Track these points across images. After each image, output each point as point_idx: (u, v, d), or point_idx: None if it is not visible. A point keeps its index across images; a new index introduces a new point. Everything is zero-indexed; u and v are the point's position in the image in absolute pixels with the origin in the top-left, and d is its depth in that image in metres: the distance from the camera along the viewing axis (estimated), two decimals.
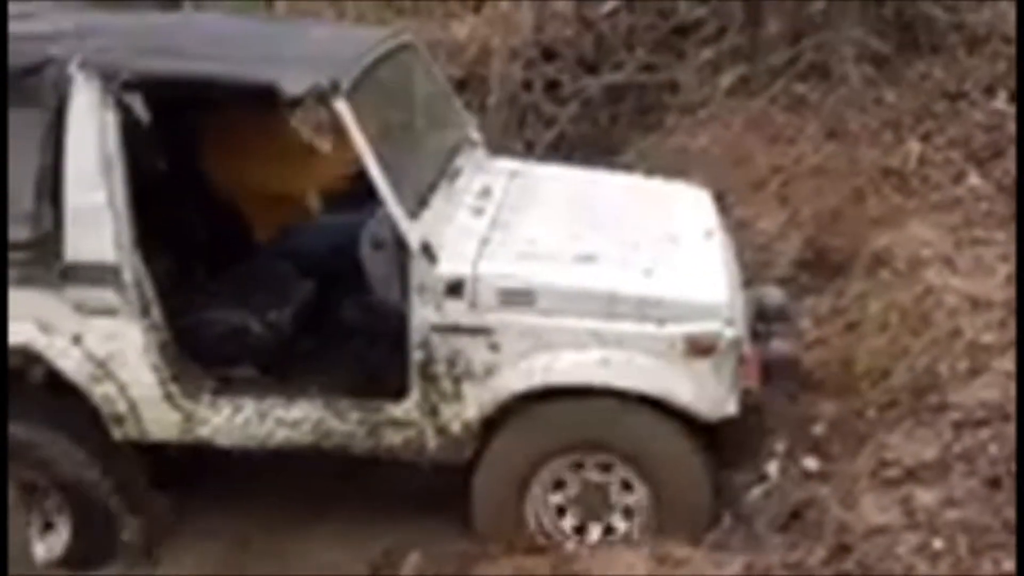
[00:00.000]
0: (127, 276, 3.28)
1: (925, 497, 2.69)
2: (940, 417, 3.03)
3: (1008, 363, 3.10)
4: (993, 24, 5.45)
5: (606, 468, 3.37)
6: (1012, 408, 2.93)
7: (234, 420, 3.43)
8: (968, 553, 2.47)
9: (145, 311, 3.33)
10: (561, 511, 3.41)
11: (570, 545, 3.29)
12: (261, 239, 4.12)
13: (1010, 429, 2.85)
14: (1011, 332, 3.26)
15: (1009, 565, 2.42)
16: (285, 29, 4.44)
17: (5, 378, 3.32)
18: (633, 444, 3.30)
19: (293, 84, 3.19)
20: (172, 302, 3.46)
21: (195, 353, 3.49)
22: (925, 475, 2.81)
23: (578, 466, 3.38)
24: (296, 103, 3.32)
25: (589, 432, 3.32)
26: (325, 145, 4.43)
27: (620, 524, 3.38)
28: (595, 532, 3.39)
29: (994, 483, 2.70)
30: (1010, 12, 5.44)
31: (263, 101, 3.48)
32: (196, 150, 4.09)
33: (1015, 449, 2.73)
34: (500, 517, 3.38)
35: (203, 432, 3.44)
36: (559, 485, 3.39)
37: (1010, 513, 2.58)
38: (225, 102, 3.82)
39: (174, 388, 3.40)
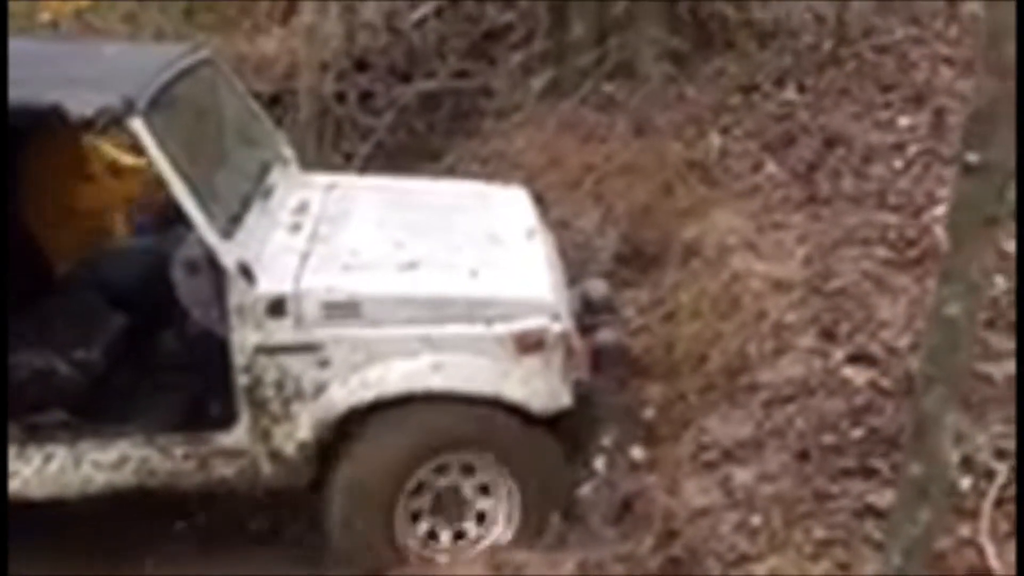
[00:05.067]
0: None
1: (742, 475, 2.84)
2: (752, 397, 3.20)
3: (808, 340, 3.31)
4: (780, 20, 5.79)
5: (464, 470, 3.34)
6: (814, 382, 3.13)
7: (46, 470, 3.24)
8: (782, 525, 2.61)
9: None
10: (419, 521, 3.34)
11: (415, 559, 3.28)
12: (62, 271, 3.90)
13: (814, 402, 3.04)
14: (810, 310, 3.48)
15: (820, 532, 2.58)
16: (74, 48, 4.21)
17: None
18: (488, 443, 3.27)
19: (82, 104, 3.04)
20: None
21: None
22: (741, 454, 2.95)
23: (436, 472, 3.32)
24: (87, 124, 3.16)
25: (444, 436, 3.26)
26: (126, 167, 4.22)
27: (476, 527, 3.37)
28: (452, 536, 3.36)
29: (803, 455, 2.87)
30: (795, 8, 5.80)
31: (54, 124, 3.29)
32: None
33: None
34: (369, 540, 3.27)
35: (12, 486, 3.23)
36: (417, 494, 3.32)
37: (819, 483, 2.76)
38: (12, 127, 3.59)
39: None
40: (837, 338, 3.32)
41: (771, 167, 4.72)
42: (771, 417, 3.06)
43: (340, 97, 5.99)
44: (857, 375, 3.12)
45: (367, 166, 5.61)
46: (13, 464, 3.23)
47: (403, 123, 6.05)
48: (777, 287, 3.68)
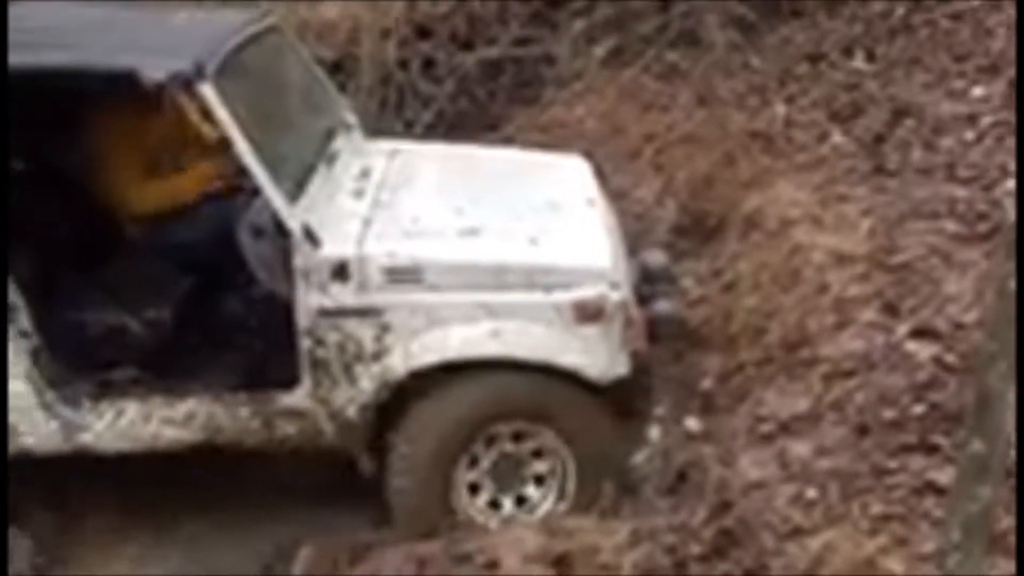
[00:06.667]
0: None
1: (799, 448, 2.82)
2: (811, 370, 3.17)
3: (871, 314, 3.27)
4: None
5: (520, 437, 3.37)
6: (876, 357, 3.09)
7: (117, 424, 3.35)
8: (839, 499, 2.60)
9: (12, 318, 3.21)
10: (476, 486, 3.39)
11: (470, 524, 3.32)
12: (134, 233, 4.01)
13: (874, 377, 3.01)
14: (873, 284, 3.43)
15: (877, 508, 2.56)
16: (143, 15, 4.28)
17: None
18: (544, 410, 3.31)
19: (154, 70, 3.11)
20: (43, 306, 3.34)
21: (71, 357, 3.38)
22: (798, 427, 2.93)
23: (492, 438, 3.35)
24: (159, 89, 3.23)
25: (501, 402, 3.30)
26: (196, 133, 4.29)
27: (533, 493, 3.42)
28: (507, 502, 3.42)
29: (862, 430, 2.85)
30: None
31: (126, 89, 3.37)
32: (58, 145, 3.93)
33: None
34: (426, 503, 3.33)
35: (85, 439, 3.35)
36: (474, 459, 3.37)
37: (877, 458, 2.73)
38: (85, 93, 3.68)
39: (51, 396, 3.29)
40: (900, 313, 3.27)
41: (837, 138, 4.64)
42: (830, 391, 3.03)
43: (402, 64, 6.00)
44: (920, 350, 3.08)
45: (428, 133, 5.63)
46: (86, 418, 3.35)
47: (464, 91, 6.04)
48: (840, 260, 3.63)
